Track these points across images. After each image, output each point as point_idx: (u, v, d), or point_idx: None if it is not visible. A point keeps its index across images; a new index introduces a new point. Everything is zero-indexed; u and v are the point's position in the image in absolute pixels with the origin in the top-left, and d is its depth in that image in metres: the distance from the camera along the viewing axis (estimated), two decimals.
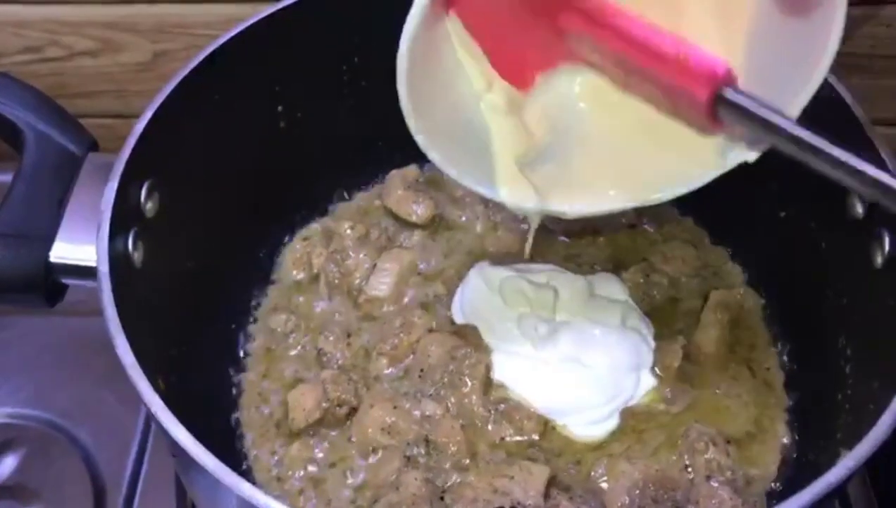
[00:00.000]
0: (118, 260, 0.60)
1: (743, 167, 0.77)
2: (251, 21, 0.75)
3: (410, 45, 0.57)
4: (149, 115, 0.66)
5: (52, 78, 1.03)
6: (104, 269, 0.58)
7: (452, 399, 0.73)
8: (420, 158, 0.90)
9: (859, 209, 0.65)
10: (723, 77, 0.53)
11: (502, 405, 0.72)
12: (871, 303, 0.63)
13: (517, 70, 0.65)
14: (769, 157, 0.75)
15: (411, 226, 0.86)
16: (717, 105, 0.54)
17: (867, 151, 0.63)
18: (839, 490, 0.53)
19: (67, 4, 0.98)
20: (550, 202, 0.68)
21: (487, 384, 0.74)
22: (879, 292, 0.62)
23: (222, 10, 0.96)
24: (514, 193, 0.67)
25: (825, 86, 0.67)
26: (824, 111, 0.67)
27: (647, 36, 0.55)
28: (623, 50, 0.57)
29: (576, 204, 0.68)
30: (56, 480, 0.82)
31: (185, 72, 0.69)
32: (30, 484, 0.82)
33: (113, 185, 0.62)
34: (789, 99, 0.58)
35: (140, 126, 0.66)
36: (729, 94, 0.53)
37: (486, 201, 0.88)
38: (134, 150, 0.65)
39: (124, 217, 0.63)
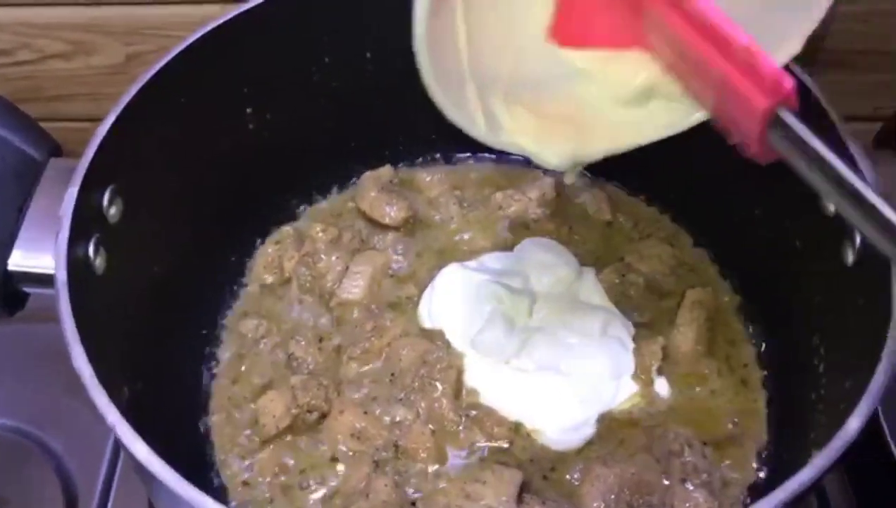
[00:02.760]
0: (78, 267, 0.59)
1: (719, 166, 0.77)
2: (218, 22, 0.73)
3: None
4: (111, 119, 0.65)
5: (24, 81, 1.02)
6: (61, 277, 0.57)
7: (423, 404, 0.72)
8: (394, 159, 0.91)
9: (831, 207, 0.64)
10: (788, 92, 0.49)
11: (473, 412, 0.72)
12: (843, 301, 0.62)
13: (578, 34, 0.60)
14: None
15: (385, 228, 0.85)
16: (771, 125, 0.49)
17: (839, 150, 0.62)
18: (810, 492, 0.52)
19: (38, 7, 0.97)
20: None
21: (459, 388, 0.73)
22: (850, 291, 0.61)
23: (195, 12, 0.95)
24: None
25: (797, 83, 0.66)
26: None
27: (720, 25, 0.50)
28: (690, 35, 0.52)
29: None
30: (27, 489, 0.81)
31: (149, 76, 0.68)
32: (1, 493, 0.81)
33: (73, 191, 0.61)
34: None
35: (102, 131, 0.65)
36: (787, 116, 0.49)
37: (460, 201, 0.87)
38: (96, 155, 0.63)
39: (85, 223, 0.61)
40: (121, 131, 0.66)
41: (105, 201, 0.65)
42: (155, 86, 0.69)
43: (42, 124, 1.06)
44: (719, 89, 0.52)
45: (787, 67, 0.66)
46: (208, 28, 0.73)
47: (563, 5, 0.59)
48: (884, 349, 0.53)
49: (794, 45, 0.60)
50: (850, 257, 0.62)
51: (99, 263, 0.63)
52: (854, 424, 0.52)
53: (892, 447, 0.73)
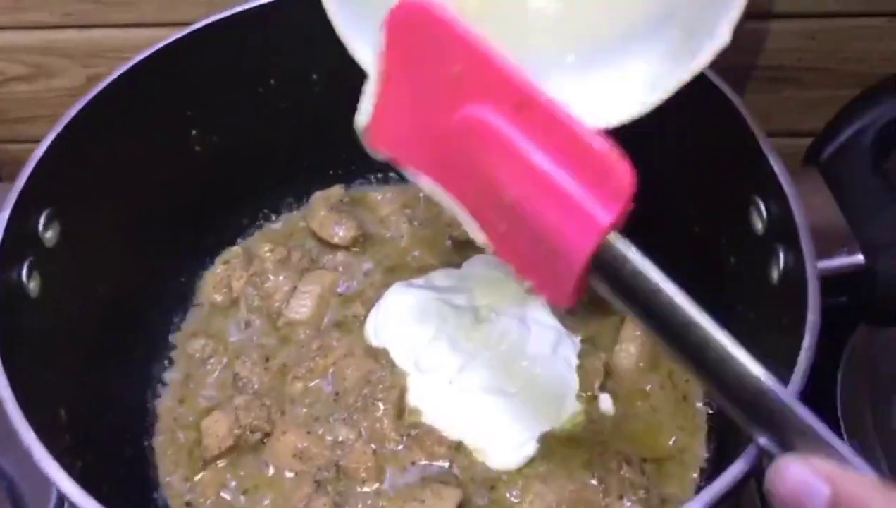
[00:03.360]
0: (8, 291, 0.60)
1: (660, 187, 0.77)
2: (160, 45, 0.74)
3: None
4: (46, 143, 0.66)
5: None
6: None
7: (365, 424, 0.72)
8: (346, 178, 0.91)
9: (759, 225, 0.65)
10: (630, 197, 0.48)
11: (414, 431, 0.72)
12: (771, 320, 0.62)
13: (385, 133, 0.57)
14: (683, 175, 0.76)
15: (334, 247, 0.85)
16: (601, 249, 0.48)
17: (762, 165, 0.62)
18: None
19: None
20: None
21: (401, 408, 0.73)
22: (776, 309, 0.61)
23: (154, 34, 0.95)
24: None
25: (722, 101, 0.67)
26: (721, 126, 0.67)
27: (569, 120, 0.48)
28: (520, 147, 0.49)
29: None
30: None
31: (88, 98, 0.69)
32: None
33: (4, 215, 0.61)
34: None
35: (38, 154, 0.65)
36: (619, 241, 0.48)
37: (410, 220, 0.88)
38: (31, 178, 0.64)
39: (18, 247, 0.62)
40: (59, 155, 0.67)
41: (41, 225, 0.65)
42: (95, 108, 0.70)
43: (5, 146, 1.08)
44: (538, 215, 0.49)
45: (711, 82, 0.67)
46: (150, 51, 0.74)
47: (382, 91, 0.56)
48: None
49: (723, 36, 0.56)
50: (774, 276, 0.62)
51: (33, 286, 0.64)
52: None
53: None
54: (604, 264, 0.48)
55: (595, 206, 0.48)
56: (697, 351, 0.46)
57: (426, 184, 0.56)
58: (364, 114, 0.56)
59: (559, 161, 0.48)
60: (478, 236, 0.55)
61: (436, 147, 0.54)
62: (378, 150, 0.57)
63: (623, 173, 0.47)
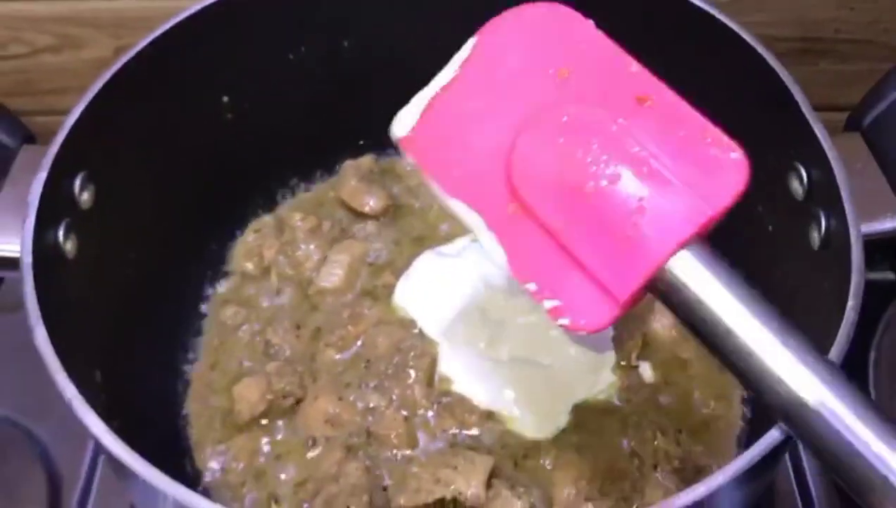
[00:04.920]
0: (45, 252, 0.60)
1: None
2: (191, 11, 0.74)
3: None
4: (81, 107, 0.66)
5: (16, 75, 1.04)
6: (27, 260, 0.57)
7: (396, 391, 0.72)
8: (375, 147, 0.91)
9: (799, 190, 0.64)
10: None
11: (445, 399, 0.71)
12: (811, 285, 0.62)
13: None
14: None
15: (364, 217, 0.85)
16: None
17: (803, 130, 0.61)
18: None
19: (27, 1, 0.98)
20: None
21: (431, 376, 0.73)
22: (817, 274, 0.61)
23: (182, 3, 0.96)
24: None
25: (767, 71, 0.66)
26: (761, 92, 0.66)
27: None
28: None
29: None
30: (11, 477, 0.82)
31: (120, 64, 0.69)
32: None
33: (41, 176, 0.61)
34: None
35: (72, 118, 0.65)
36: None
37: None
38: (66, 141, 0.64)
39: (55, 209, 0.62)
40: (92, 119, 0.66)
41: (77, 187, 0.65)
42: (127, 74, 0.69)
43: (35, 118, 1.09)
44: (622, 203, 0.49)
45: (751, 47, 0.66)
46: (178, 19, 0.73)
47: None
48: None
49: None
50: (816, 241, 0.62)
51: (70, 247, 0.64)
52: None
53: None
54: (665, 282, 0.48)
55: (697, 196, 0.48)
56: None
57: (450, 200, 0.55)
58: (403, 123, 0.56)
59: (671, 153, 0.49)
60: (497, 253, 0.55)
61: (481, 159, 0.54)
62: (409, 155, 0.56)
63: (740, 165, 0.49)
